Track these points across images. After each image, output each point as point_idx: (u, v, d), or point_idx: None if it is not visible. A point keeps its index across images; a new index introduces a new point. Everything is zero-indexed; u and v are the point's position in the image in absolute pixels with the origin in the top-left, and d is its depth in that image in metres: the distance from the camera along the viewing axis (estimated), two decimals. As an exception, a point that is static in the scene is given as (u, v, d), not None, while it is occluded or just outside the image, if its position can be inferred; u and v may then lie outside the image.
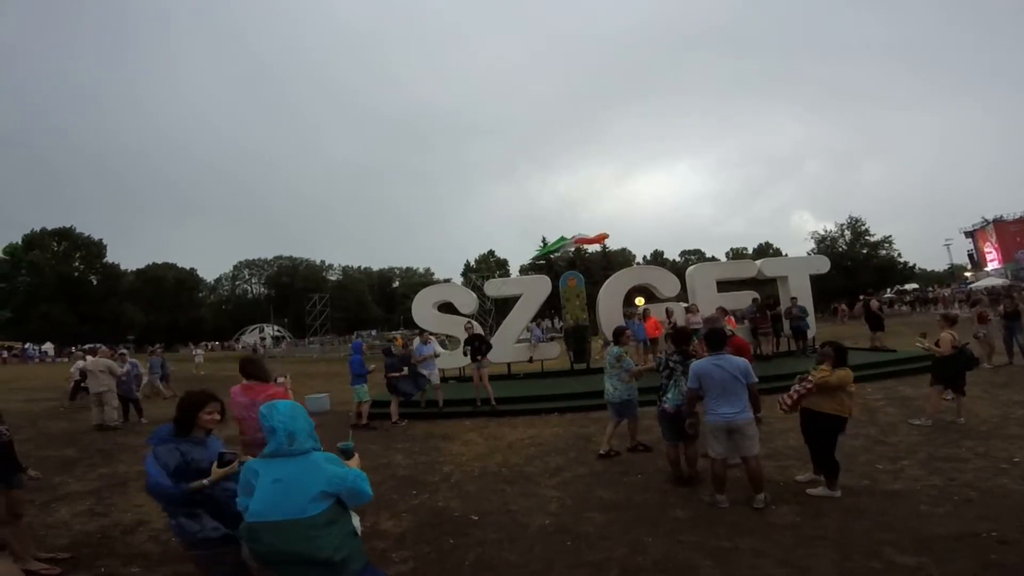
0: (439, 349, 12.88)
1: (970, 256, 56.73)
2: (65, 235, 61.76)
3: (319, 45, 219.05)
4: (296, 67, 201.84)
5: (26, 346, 46.35)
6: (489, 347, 9.93)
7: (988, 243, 53.57)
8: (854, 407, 4.62)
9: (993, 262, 51.97)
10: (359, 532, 2.43)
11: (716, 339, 4.59)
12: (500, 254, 73.42)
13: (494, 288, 14.77)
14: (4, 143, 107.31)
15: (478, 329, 10.47)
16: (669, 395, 4.96)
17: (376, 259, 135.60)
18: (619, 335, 6.28)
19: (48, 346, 48.31)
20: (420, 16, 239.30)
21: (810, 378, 4.54)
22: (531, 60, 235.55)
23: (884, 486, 4.48)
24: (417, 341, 10.62)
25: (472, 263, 69.64)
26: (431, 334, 13.18)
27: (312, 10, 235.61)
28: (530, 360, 12.94)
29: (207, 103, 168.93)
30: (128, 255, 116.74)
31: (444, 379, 13.27)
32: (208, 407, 2.88)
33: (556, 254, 14.06)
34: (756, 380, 4.42)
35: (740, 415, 4.28)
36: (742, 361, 4.44)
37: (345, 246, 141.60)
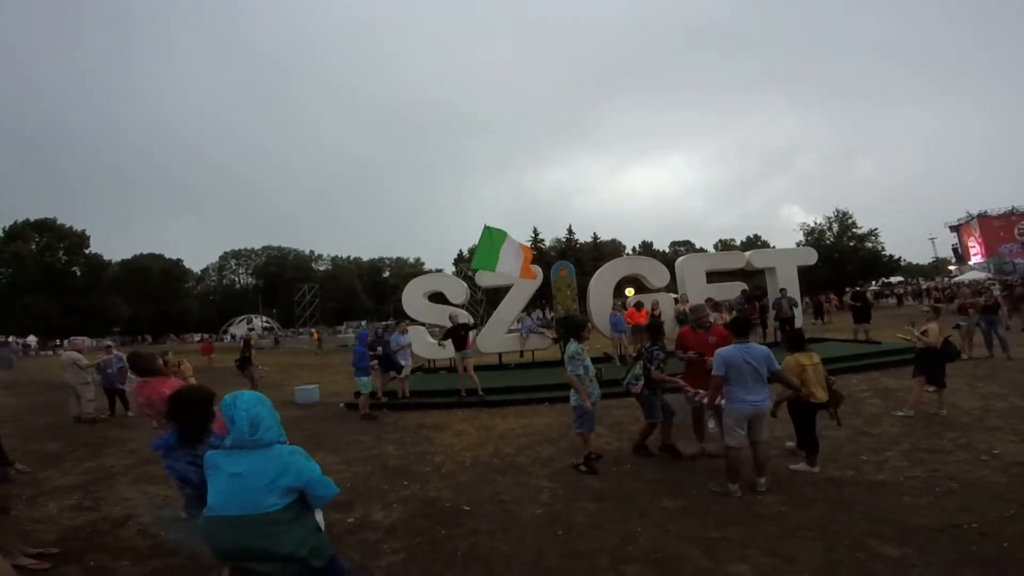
0: (430, 339, 12.88)
1: (954, 250, 57.59)
2: (47, 227, 60.70)
3: (316, 36, 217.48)
4: (292, 58, 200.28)
5: (9, 339, 45.59)
6: (466, 339, 9.74)
7: (972, 237, 54.37)
8: (809, 391, 4.76)
9: (976, 256, 52.79)
10: (323, 527, 2.39)
11: (742, 327, 4.67)
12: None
13: (485, 278, 14.75)
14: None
15: (463, 319, 10.45)
16: (635, 372, 5.45)
17: (366, 249, 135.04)
18: (579, 329, 5.38)
19: (31, 339, 47.59)
20: (417, 9, 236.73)
21: None
22: (529, 55, 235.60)
23: (868, 477, 4.55)
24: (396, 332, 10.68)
25: (465, 253, 69.47)
26: (420, 324, 13.20)
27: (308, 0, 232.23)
28: (521, 354, 12.97)
29: (201, 93, 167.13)
30: (113, 246, 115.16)
31: (436, 369, 13.34)
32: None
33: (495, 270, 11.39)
34: (779, 367, 4.55)
35: (765, 402, 4.40)
36: (765, 349, 4.51)
37: (335, 236, 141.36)
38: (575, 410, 5.16)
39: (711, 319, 6.28)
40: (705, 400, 5.05)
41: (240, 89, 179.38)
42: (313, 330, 34.90)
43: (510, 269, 9.55)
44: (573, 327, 5.40)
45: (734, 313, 12.10)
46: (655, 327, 5.95)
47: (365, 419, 8.38)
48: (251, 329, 54.34)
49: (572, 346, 5.19)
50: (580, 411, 5.09)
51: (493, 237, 9.35)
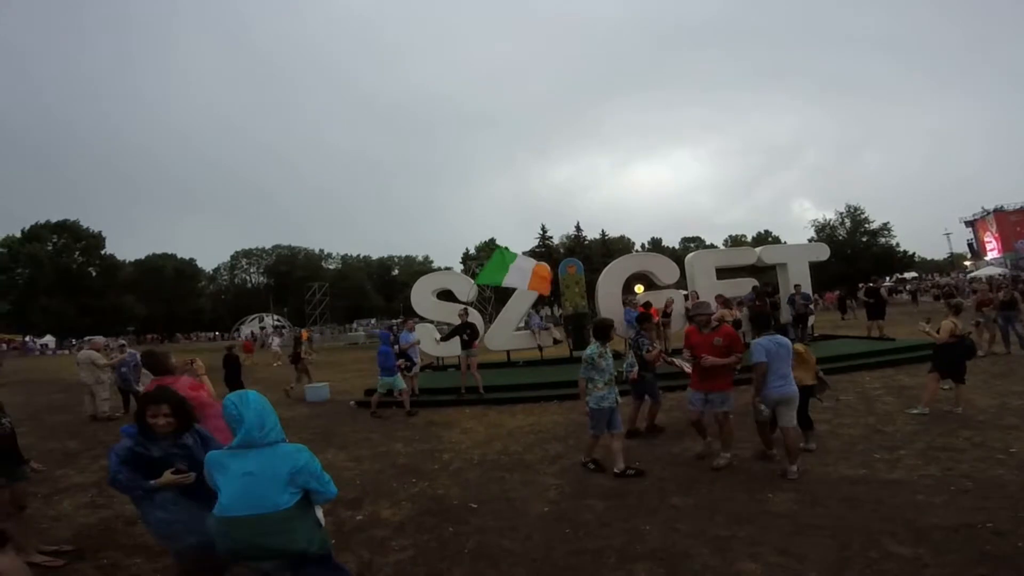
0: (437, 335, 12.92)
1: (970, 245, 56.66)
2: (65, 228, 61.65)
3: (321, 34, 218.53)
4: (298, 56, 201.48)
5: (26, 339, 46.39)
6: (476, 335, 9.91)
7: (988, 232, 53.43)
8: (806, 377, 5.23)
9: (993, 251, 51.89)
10: (323, 522, 2.44)
11: (763, 321, 5.13)
12: (500, 242, 73.14)
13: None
14: (8, 137, 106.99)
15: (472, 317, 10.49)
16: (629, 361, 5.93)
17: (375, 248, 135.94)
18: (606, 330, 5.21)
19: (48, 339, 48.37)
20: (422, 6, 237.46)
21: None
22: (533, 51, 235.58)
23: (882, 475, 4.49)
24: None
25: (471, 251, 69.44)
26: (429, 322, 13.24)
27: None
28: (541, 348, 12.98)
29: (208, 93, 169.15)
30: (127, 246, 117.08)
31: (445, 367, 13.36)
32: (150, 410, 2.63)
33: (499, 282, 11.42)
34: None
35: (792, 387, 4.68)
36: (788, 340, 4.91)
37: (344, 235, 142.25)
38: (592, 413, 5.01)
39: (719, 316, 6.32)
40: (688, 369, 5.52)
41: (246, 89, 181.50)
42: (303, 330, 33.18)
43: (517, 284, 9.79)
44: (599, 329, 5.23)
45: (744, 310, 12.05)
46: (641, 319, 6.58)
47: (375, 417, 8.39)
48: (262, 327, 54.80)
49: (590, 348, 5.05)
50: (594, 415, 4.98)
51: (505, 258, 9.66)
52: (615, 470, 4.92)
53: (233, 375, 9.94)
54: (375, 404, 8.75)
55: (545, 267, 10.46)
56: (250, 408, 2.25)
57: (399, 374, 8.80)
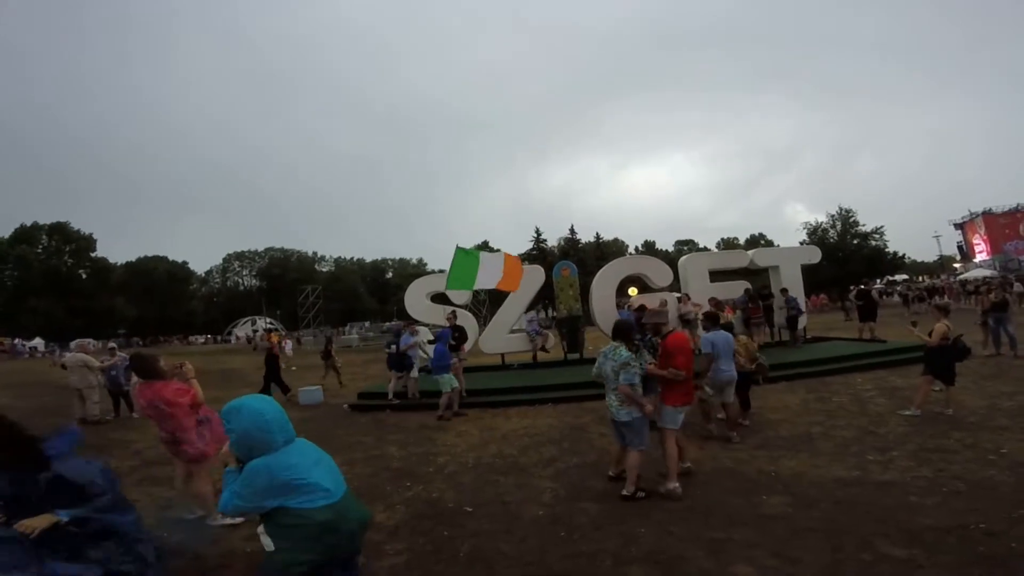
0: (431, 336, 12.88)
1: (959, 248, 57.26)
2: (56, 230, 61.10)
3: (318, 37, 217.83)
4: (296, 58, 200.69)
5: (15, 341, 45.81)
6: (464, 338, 9.97)
7: (977, 235, 54.04)
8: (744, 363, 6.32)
9: (982, 254, 52.50)
10: None
11: (715, 319, 6.26)
12: (496, 244, 72.90)
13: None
14: (5, 137, 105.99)
15: (461, 320, 10.49)
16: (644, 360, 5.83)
17: (369, 250, 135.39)
18: (628, 332, 4.69)
19: (38, 341, 47.82)
20: (419, 9, 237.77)
21: None
22: (530, 54, 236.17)
23: (874, 477, 4.51)
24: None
25: (465, 254, 69.17)
26: (424, 325, 13.19)
27: (310, 1, 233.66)
28: (545, 350, 12.96)
29: (204, 95, 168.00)
30: (121, 248, 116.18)
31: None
32: None
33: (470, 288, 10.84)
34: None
35: (733, 372, 5.93)
36: (731, 335, 6.13)
37: (338, 237, 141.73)
38: (628, 426, 4.44)
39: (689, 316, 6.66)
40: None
41: (243, 91, 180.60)
42: (273, 334, 30.41)
43: (488, 284, 9.56)
44: (622, 330, 4.71)
45: (738, 312, 12.10)
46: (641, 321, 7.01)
47: (443, 420, 8.05)
48: (255, 331, 54.58)
49: (625, 352, 4.46)
50: (638, 425, 4.41)
51: (468, 258, 9.32)
52: (624, 492, 4.41)
53: (273, 372, 10.88)
54: (454, 406, 8.29)
55: (517, 262, 10.05)
56: (276, 407, 2.33)
57: (448, 374, 8.47)
